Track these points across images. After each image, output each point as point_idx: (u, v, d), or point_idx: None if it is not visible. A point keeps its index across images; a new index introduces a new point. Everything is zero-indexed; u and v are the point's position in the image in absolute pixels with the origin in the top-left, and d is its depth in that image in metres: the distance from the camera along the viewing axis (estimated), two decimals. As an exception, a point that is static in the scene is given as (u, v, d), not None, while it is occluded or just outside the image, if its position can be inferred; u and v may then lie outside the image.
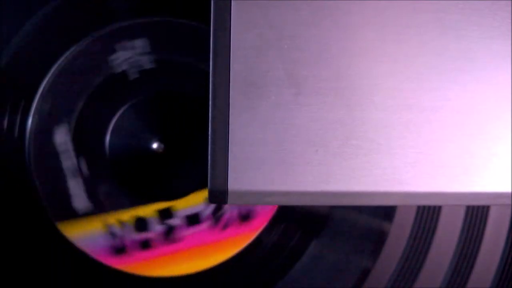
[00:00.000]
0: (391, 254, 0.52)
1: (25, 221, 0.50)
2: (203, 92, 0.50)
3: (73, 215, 0.50)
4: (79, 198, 0.50)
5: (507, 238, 0.52)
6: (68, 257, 0.50)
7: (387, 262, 0.52)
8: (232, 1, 0.38)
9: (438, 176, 0.39)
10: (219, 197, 0.38)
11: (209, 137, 0.38)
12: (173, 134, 0.50)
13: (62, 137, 0.50)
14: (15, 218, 0.50)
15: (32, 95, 0.49)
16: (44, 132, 0.49)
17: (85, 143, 0.50)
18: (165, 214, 0.51)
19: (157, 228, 0.51)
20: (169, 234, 0.51)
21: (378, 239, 0.52)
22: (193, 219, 0.51)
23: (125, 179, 0.50)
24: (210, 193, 0.38)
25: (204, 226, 0.51)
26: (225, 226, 0.51)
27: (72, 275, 0.51)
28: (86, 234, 0.50)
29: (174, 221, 0.51)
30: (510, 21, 0.40)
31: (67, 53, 0.50)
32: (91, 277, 0.51)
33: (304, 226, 0.52)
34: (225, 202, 0.39)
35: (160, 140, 0.50)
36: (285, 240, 0.52)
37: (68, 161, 0.50)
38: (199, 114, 0.50)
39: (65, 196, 0.50)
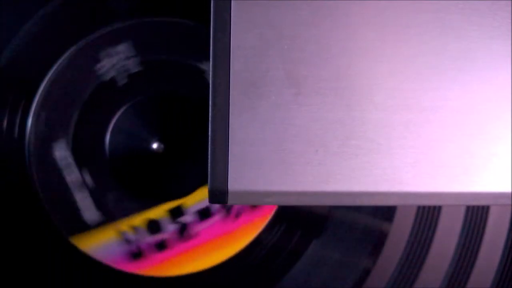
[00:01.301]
0: (391, 254, 0.52)
1: (25, 223, 0.50)
2: (203, 92, 0.50)
3: (84, 228, 0.50)
4: (88, 210, 0.50)
5: (507, 238, 0.52)
6: (67, 257, 0.50)
7: (387, 262, 0.52)
8: (232, 1, 0.38)
9: (438, 176, 0.39)
10: (219, 197, 0.38)
11: (209, 137, 0.38)
12: (173, 134, 0.50)
13: (61, 153, 0.50)
14: (15, 219, 0.50)
15: (32, 95, 0.49)
16: (44, 149, 0.50)
17: (85, 146, 0.50)
18: (176, 213, 0.51)
19: (170, 228, 0.51)
20: (183, 231, 0.51)
21: (378, 239, 0.52)
22: (204, 213, 0.51)
23: (126, 180, 0.50)
24: (210, 193, 0.38)
25: (216, 218, 0.51)
26: (238, 215, 0.51)
27: (75, 277, 0.51)
28: (101, 244, 0.50)
29: (186, 218, 0.51)
30: (510, 21, 0.40)
31: (65, 55, 0.50)
32: (96, 280, 0.51)
33: (304, 226, 0.52)
34: (225, 202, 0.39)
35: (160, 140, 0.50)
36: (285, 240, 0.52)
37: (72, 175, 0.50)
38: (198, 114, 0.50)
39: (74, 210, 0.50)
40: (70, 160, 0.50)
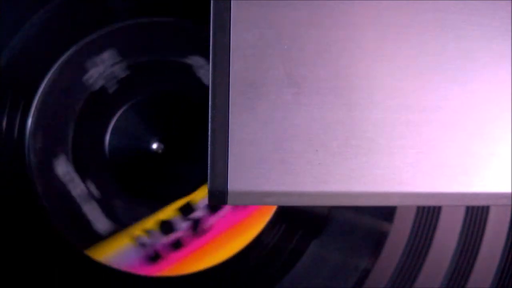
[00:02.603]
0: (391, 254, 0.52)
1: (26, 225, 0.50)
2: (202, 92, 0.50)
3: (97, 238, 0.50)
4: (98, 220, 0.50)
5: (507, 238, 0.52)
6: (83, 270, 0.50)
7: (387, 262, 0.52)
8: (232, 1, 0.38)
9: (438, 176, 0.39)
10: (219, 197, 0.38)
11: (209, 137, 0.38)
12: (173, 134, 0.50)
13: (63, 168, 0.50)
14: (15, 221, 0.50)
15: (32, 95, 0.49)
16: (45, 167, 0.50)
17: (85, 147, 0.50)
18: (186, 210, 0.51)
19: (183, 226, 0.51)
20: (196, 227, 0.50)
21: (378, 239, 0.52)
22: (214, 206, 0.51)
23: (126, 181, 0.50)
24: (210, 193, 0.38)
25: (227, 208, 0.51)
26: None
27: (72, 277, 0.51)
28: (117, 252, 0.50)
29: (198, 214, 0.51)
30: (510, 21, 0.40)
31: (65, 56, 0.50)
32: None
33: (304, 226, 0.52)
34: (225, 203, 0.39)
35: (159, 141, 0.50)
36: (285, 240, 0.52)
37: (77, 189, 0.50)
38: (198, 114, 0.50)
39: (84, 222, 0.50)
40: (73, 174, 0.50)
